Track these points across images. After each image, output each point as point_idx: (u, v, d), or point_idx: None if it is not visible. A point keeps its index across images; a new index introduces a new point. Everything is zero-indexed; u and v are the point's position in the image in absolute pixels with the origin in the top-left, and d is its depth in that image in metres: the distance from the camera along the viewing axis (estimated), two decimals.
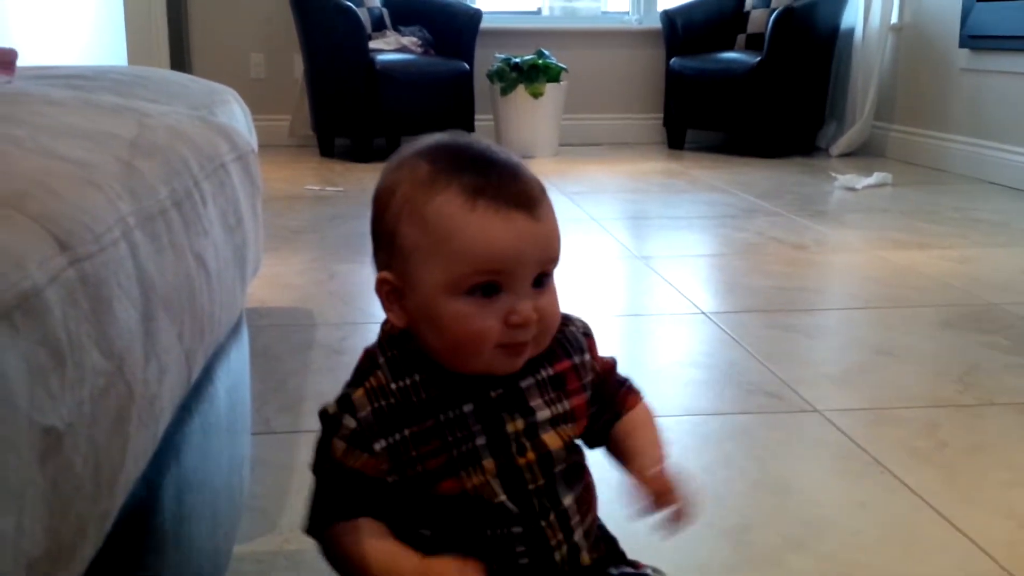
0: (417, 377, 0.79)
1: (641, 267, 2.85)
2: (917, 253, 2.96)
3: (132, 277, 0.62)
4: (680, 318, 2.32)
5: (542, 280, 0.78)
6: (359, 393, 0.79)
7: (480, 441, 0.78)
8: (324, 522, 0.80)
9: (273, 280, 2.59)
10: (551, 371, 0.83)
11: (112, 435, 0.56)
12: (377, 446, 0.78)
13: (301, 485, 1.41)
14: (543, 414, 0.81)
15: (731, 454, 1.57)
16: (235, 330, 1.10)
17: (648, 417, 0.90)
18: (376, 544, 0.78)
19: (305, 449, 1.52)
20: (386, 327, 0.83)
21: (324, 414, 0.80)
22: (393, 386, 0.79)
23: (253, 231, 1.08)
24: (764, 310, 2.38)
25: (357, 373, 0.81)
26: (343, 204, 3.75)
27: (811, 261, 2.93)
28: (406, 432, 0.78)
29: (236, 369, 1.09)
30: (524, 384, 0.81)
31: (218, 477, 0.97)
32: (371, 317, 2.30)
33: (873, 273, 2.77)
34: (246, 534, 1.24)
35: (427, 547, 0.77)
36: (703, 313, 2.33)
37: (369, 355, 0.82)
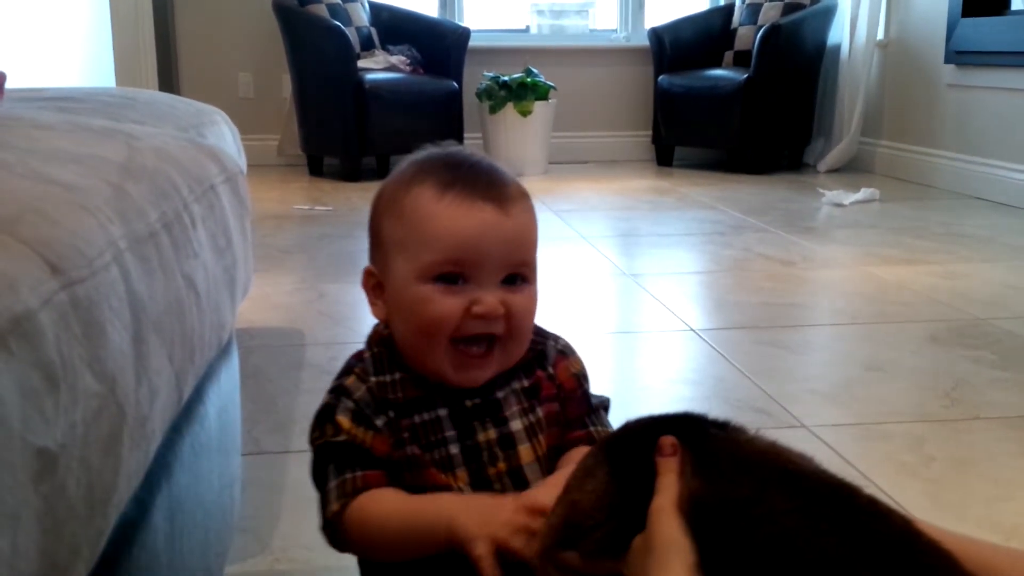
0: (397, 375, 0.82)
1: (630, 285, 2.86)
2: (904, 269, 2.98)
3: (123, 300, 0.63)
4: (669, 335, 2.33)
5: (515, 280, 0.81)
6: (350, 380, 0.83)
7: (453, 450, 0.80)
8: (346, 500, 0.78)
9: (262, 300, 2.59)
10: (526, 382, 0.85)
11: (105, 456, 0.57)
12: (378, 422, 0.80)
13: (292, 505, 1.42)
14: (516, 424, 0.82)
15: None
16: (225, 351, 1.10)
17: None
18: (403, 502, 0.78)
19: (296, 469, 1.53)
20: (378, 327, 0.87)
21: (324, 407, 0.83)
22: (373, 379, 0.82)
23: (243, 252, 1.09)
24: (752, 327, 2.39)
25: (344, 367, 0.85)
26: (332, 224, 3.75)
27: (799, 277, 2.95)
28: (390, 413, 0.81)
29: (226, 390, 1.10)
30: (500, 395, 0.83)
31: (209, 497, 0.98)
32: (361, 336, 2.29)
33: (860, 289, 2.78)
34: (237, 554, 1.24)
35: None
36: (692, 330, 2.34)
37: (357, 353, 0.86)
